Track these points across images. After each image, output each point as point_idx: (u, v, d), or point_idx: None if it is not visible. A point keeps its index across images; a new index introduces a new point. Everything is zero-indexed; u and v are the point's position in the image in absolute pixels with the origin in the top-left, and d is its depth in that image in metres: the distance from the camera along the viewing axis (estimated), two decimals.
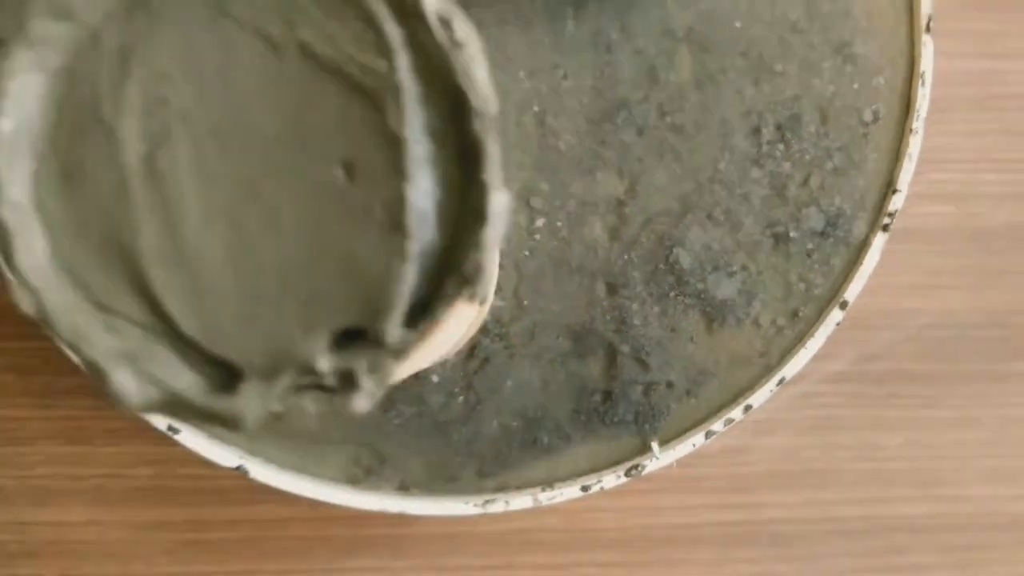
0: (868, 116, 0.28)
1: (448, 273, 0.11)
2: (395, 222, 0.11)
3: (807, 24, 0.28)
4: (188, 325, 0.12)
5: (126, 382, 0.11)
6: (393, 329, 0.11)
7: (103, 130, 0.11)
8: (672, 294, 0.27)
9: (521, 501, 0.27)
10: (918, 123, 0.28)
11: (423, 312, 0.12)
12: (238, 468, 0.26)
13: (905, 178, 0.28)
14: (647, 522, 0.32)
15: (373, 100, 0.11)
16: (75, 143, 0.11)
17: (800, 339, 0.28)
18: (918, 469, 0.33)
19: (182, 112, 0.11)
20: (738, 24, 0.28)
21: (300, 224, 0.11)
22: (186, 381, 0.11)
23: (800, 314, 0.28)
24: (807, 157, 0.28)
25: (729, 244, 0.28)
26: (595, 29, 0.27)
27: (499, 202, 0.11)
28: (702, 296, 0.27)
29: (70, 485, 0.31)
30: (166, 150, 0.12)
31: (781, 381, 0.27)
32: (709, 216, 0.27)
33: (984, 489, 0.33)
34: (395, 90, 0.11)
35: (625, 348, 0.27)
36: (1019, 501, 0.33)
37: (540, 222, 0.27)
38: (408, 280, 0.11)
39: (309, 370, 0.12)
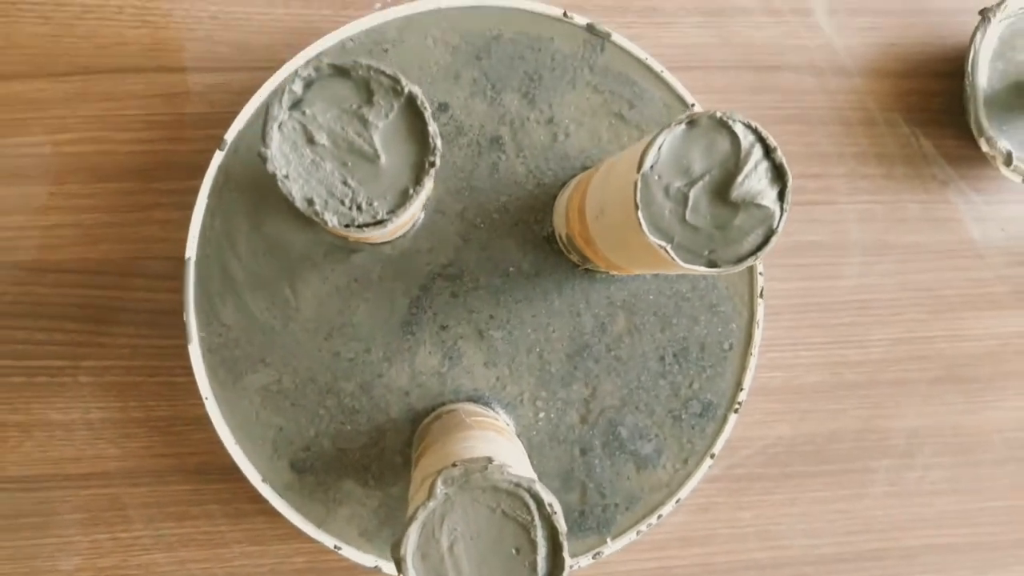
0: (727, 346, 0.47)
1: None
2: (534, 569, 0.30)
3: (692, 294, 0.47)
4: None
5: None
6: None
7: (435, 542, 0.30)
8: (617, 453, 0.47)
9: None
10: (755, 349, 0.47)
11: None
12: (375, 567, 0.45)
13: (747, 381, 0.47)
14: (597, 571, 0.52)
15: (527, 530, 0.31)
16: (426, 544, 0.30)
17: (689, 476, 0.47)
18: (760, 531, 0.52)
19: (461, 534, 0.30)
20: (651, 296, 0.47)
21: (500, 571, 0.30)
22: None
23: (688, 462, 0.47)
24: (691, 372, 0.47)
25: (648, 423, 0.47)
26: (571, 302, 0.46)
27: (568, 564, 0.30)
28: (634, 454, 0.47)
29: (253, 571, 0.48)
30: (456, 546, 0.30)
31: (678, 500, 0.47)
32: (637, 407, 0.47)
33: (801, 541, 0.52)
34: (535, 529, 0.30)
35: (591, 485, 0.47)
36: (822, 547, 0.52)
37: (541, 414, 0.46)
38: None
39: None
